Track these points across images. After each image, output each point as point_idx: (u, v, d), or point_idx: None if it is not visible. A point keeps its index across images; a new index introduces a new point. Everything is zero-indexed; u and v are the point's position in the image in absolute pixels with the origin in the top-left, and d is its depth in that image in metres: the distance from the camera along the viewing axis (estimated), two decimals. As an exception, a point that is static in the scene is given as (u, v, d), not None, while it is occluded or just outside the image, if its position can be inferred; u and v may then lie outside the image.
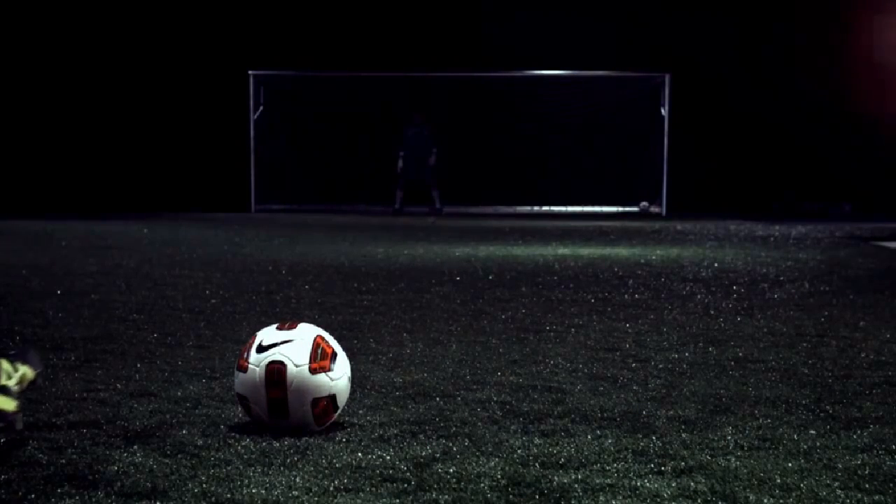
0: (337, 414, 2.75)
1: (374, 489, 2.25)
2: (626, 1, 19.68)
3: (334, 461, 2.45)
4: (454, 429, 2.76)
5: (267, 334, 2.76)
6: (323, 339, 2.76)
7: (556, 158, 19.92)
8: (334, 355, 2.74)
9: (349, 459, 2.46)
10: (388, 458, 2.48)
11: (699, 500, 2.19)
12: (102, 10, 18.58)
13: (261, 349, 2.71)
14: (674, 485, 2.28)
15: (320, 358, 2.70)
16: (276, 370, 2.66)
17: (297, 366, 2.67)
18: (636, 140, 19.59)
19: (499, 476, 2.34)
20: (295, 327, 2.78)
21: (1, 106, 18.26)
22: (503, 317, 4.93)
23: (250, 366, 2.70)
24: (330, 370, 2.71)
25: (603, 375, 3.49)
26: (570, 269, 7.43)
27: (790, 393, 3.23)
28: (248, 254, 8.70)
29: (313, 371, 2.67)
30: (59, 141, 18.91)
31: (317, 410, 2.67)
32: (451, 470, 2.38)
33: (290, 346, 2.70)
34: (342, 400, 2.75)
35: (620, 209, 19.62)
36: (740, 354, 3.92)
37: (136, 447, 2.55)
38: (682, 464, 2.43)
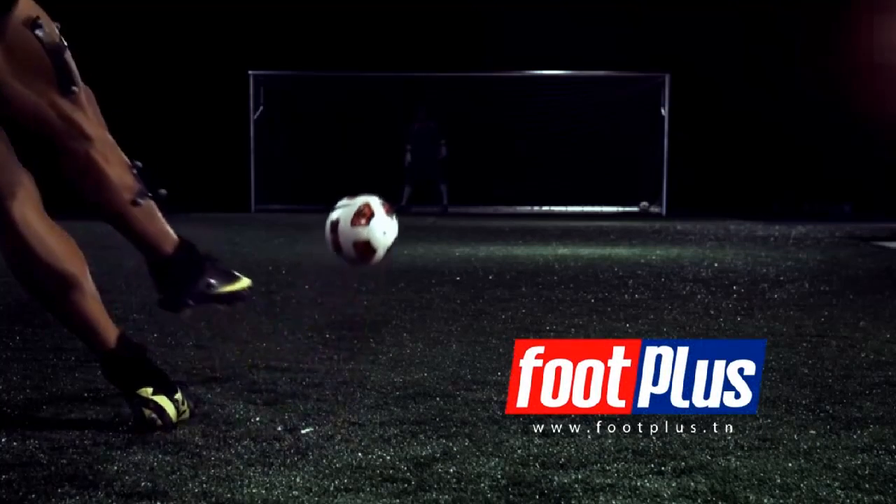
0: (376, 255, 3.84)
1: (374, 489, 2.25)
2: (626, 1, 19.69)
3: (334, 461, 2.45)
4: (454, 429, 2.76)
5: (341, 204, 3.96)
6: (369, 207, 3.87)
7: (556, 158, 19.92)
8: (371, 216, 3.84)
9: (349, 459, 2.46)
10: (388, 458, 2.48)
11: (699, 500, 2.19)
12: (102, 9, 18.59)
13: (334, 209, 3.94)
14: (674, 485, 2.28)
15: (359, 216, 3.80)
16: (332, 223, 3.89)
17: (343, 220, 3.84)
18: (636, 140, 19.60)
19: (499, 476, 2.34)
20: (360, 200, 3.94)
21: None
22: (503, 317, 4.93)
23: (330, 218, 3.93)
24: (365, 225, 3.83)
25: (603, 375, 3.49)
26: (570, 269, 7.44)
27: (790, 393, 3.23)
28: (248, 254, 8.70)
29: (353, 224, 3.77)
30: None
31: (357, 250, 3.83)
32: (452, 470, 2.38)
33: (346, 209, 3.90)
34: (377, 245, 3.83)
35: (620, 209, 19.63)
36: (740, 354, 3.92)
37: (136, 447, 2.55)
38: (682, 464, 2.43)
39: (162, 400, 2.73)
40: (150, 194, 2.77)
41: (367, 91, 19.60)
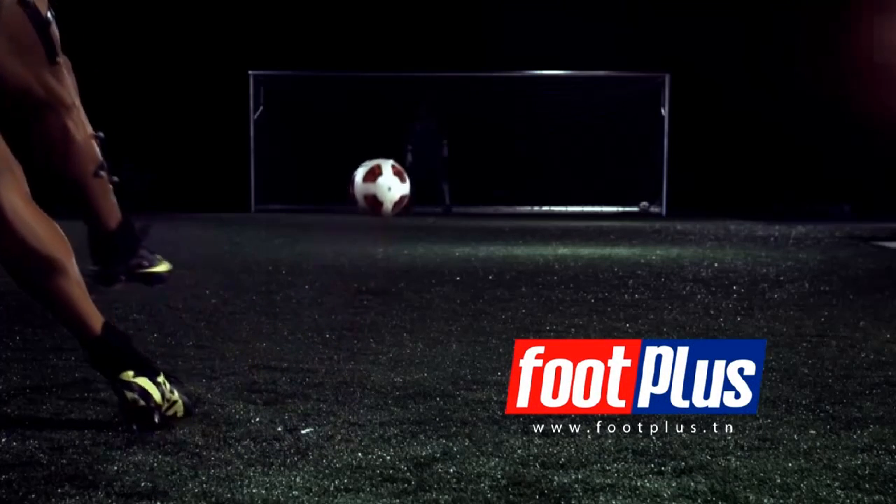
0: (384, 208, 4.82)
1: (374, 489, 2.25)
2: (626, 1, 19.69)
3: (334, 461, 2.45)
4: (454, 429, 2.76)
5: (362, 164, 4.85)
6: (379, 167, 4.88)
7: (556, 158, 19.92)
8: (379, 175, 4.78)
9: (349, 459, 2.46)
10: (388, 458, 2.48)
11: (699, 500, 2.19)
12: (101, 9, 18.59)
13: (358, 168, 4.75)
14: (674, 485, 2.28)
15: (370, 174, 5.35)
16: (351, 180, 5.31)
17: (358, 177, 5.44)
18: (636, 140, 19.60)
19: (499, 476, 2.34)
20: (375, 161, 4.90)
21: None
22: (503, 317, 4.93)
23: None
24: (373, 182, 4.78)
25: (603, 375, 3.49)
26: (570, 269, 7.43)
27: (790, 393, 3.23)
28: (248, 254, 8.70)
29: (364, 181, 5.71)
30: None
31: (367, 202, 5.07)
32: (452, 470, 2.38)
33: (363, 168, 5.08)
34: (383, 198, 4.79)
35: (620, 209, 19.63)
36: (740, 354, 3.92)
37: (136, 447, 2.55)
38: (682, 464, 2.44)
39: (144, 382, 2.74)
40: (108, 169, 2.88)
41: (367, 91, 19.58)
